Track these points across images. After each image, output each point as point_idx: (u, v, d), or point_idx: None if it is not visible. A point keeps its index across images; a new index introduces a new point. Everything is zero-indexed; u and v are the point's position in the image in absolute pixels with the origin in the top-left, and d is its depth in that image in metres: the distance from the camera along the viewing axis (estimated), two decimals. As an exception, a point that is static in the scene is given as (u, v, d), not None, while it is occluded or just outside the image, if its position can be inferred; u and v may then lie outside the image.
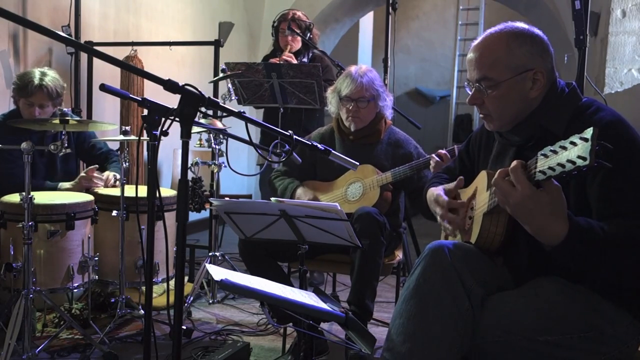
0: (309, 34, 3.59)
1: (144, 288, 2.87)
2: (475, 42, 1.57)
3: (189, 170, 1.49)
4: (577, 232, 1.27)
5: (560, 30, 4.88)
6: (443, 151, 2.46)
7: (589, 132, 1.08)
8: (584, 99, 1.53)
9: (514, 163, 1.27)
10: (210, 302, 3.26)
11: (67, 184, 2.94)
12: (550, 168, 1.16)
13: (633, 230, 1.31)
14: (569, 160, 1.11)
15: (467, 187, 1.74)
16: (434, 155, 2.46)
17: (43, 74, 2.83)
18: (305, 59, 3.60)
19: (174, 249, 2.88)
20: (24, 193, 2.28)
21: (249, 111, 3.59)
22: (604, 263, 1.32)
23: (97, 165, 3.00)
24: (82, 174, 2.96)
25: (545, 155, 1.18)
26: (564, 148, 1.13)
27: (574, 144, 1.11)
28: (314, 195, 2.67)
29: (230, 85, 3.30)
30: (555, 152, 1.16)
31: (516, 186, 1.25)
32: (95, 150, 3.13)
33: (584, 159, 1.08)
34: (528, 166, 1.25)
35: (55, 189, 2.91)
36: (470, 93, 1.57)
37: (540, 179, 1.20)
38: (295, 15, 3.57)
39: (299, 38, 3.56)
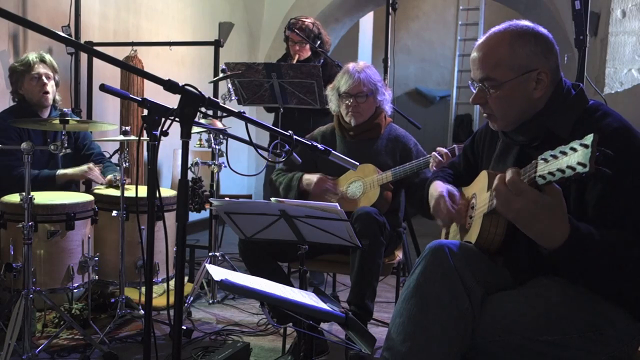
0: (318, 42, 3.57)
1: (144, 288, 2.87)
2: (479, 41, 1.56)
3: (189, 171, 1.49)
4: (577, 236, 1.26)
5: (560, 30, 4.87)
6: (444, 150, 2.45)
7: (589, 139, 1.07)
8: (590, 101, 1.51)
9: (509, 174, 1.24)
10: (210, 302, 3.26)
11: (68, 170, 2.96)
12: (550, 173, 1.14)
13: (630, 243, 1.30)
14: (568, 166, 1.09)
15: (468, 186, 1.74)
16: (434, 152, 2.46)
17: (39, 53, 3.01)
18: None
19: (174, 249, 2.88)
20: (24, 193, 2.28)
21: (249, 111, 3.60)
22: (601, 269, 1.31)
23: (101, 166, 3.04)
24: (90, 165, 2.99)
25: (546, 160, 1.17)
26: (564, 153, 1.12)
27: (574, 149, 1.10)
28: (323, 175, 2.67)
29: (230, 85, 3.30)
30: (555, 157, 1.14)
31: (520, 195, 1.22)
32: (85, 150, 3.13)
33: (583, 165, 1.06)
34: (523, 172, 1.23)
35: (53, 176, 2.92)
36: (474, 92, 1.57)
37: (540, 183, 1.19)
38: (304, 24, 3.55)
39: (307, 47, 3.56)
